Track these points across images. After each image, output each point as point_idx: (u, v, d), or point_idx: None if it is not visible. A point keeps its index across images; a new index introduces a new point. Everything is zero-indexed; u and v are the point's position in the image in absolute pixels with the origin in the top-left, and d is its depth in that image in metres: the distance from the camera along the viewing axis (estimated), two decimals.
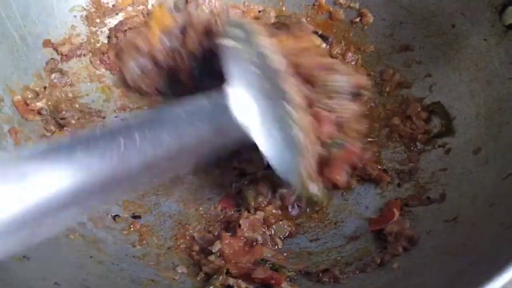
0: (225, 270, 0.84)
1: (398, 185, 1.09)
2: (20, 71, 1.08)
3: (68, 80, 1.14)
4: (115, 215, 0.98)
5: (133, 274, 0.89)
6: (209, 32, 0.96)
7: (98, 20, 1.21)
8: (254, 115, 0.75)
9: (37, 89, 1.09)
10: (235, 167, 1.03)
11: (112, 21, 1.21)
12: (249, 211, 0.95)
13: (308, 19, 1.30)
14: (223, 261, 0.86)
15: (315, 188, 0.81)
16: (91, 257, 0.89)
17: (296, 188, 0.83)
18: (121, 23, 1.18)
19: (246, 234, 0.90)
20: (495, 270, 0.69)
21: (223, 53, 0.78)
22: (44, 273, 0.76)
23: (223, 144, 0.71)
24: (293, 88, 0.78)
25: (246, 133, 0.75)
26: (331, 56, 1.26)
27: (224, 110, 0.69)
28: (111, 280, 0.85)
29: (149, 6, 1.20)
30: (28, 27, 1.10)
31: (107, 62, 1.15)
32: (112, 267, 0.89)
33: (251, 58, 0.76)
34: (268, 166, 0.83)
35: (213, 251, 0.87)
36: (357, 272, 0.92)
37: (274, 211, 0.98)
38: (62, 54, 1.15)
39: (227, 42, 0.77)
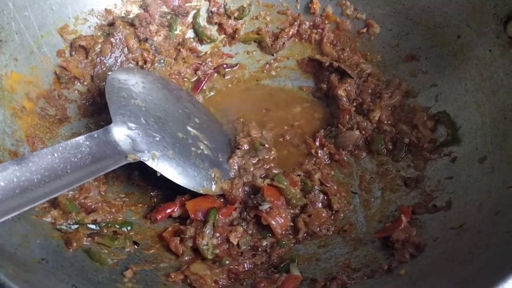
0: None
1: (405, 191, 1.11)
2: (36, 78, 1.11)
3: None
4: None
5: (146, 278, 0.91)
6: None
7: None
8: (144, 143, 0.99)
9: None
10: None
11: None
12: None
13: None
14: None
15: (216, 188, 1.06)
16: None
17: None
18: None
19: None
20: (501, 277, 0.71)
21: (107, 97, 1.02)
22: (62, 276, 0.79)
23: (106, 167, 0.92)
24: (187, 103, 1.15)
25: (140, 159, 0.97)
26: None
27: (105, 145, 0.94)
28: (124, 283, 0.87)
29: None
30: (45, 37, 1.13)
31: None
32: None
33: (132, 93, 1.06)
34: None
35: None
36: (365, 278, 0.93)
37: None
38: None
39: (107, 87, 1.05)
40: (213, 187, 1.05)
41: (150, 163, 0.98)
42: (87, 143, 0.91)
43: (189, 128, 1.10)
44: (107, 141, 0.94)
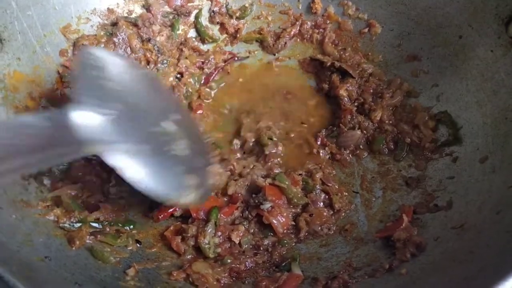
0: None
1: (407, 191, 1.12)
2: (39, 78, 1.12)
3: None
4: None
5: (149, 276, 0.91)
6: None
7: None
8: (110, 133, 0.80)
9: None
10: None
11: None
12: None
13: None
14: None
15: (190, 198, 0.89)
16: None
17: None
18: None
19: None
20: (501, 276, 0.71)
21: (75, 71, 0.87)
22: (65, 274, 0.79)
23: (60, 155, 0.76)
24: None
25: (98, 152, 0.79)
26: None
27: (62, 129, 0.75)
28: (127, 281, 0.88)
29: None
30: (48, 37, 1.14)
31: None
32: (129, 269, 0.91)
33: (106, 73, 0.87)
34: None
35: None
36: (366, 277, 0.93)
37: None
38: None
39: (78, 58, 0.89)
40: (185, 197, 0.88)
41: (110, 158, 0.78)
42: (44, 124, 0.74)
43: (169, 123, 0.93)
44: (65, 125, 0.75)
